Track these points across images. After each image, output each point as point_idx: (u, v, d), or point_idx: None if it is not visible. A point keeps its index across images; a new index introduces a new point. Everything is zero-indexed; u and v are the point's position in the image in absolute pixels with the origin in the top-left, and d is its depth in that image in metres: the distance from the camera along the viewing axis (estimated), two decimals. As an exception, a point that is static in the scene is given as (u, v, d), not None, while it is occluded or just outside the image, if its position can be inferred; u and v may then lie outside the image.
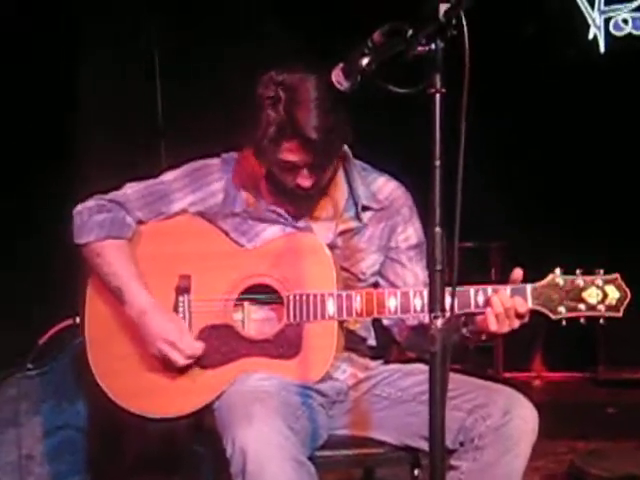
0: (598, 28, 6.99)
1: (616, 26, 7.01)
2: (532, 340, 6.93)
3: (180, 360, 2.74)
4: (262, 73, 2.73)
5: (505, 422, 2.60)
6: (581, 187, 6.72)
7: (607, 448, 4.73)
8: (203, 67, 5.96)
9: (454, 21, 2.00)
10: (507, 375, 6.90)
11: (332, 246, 2.81)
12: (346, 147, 2.87)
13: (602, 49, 7.02)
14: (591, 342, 6.75)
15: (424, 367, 2.07)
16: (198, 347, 2.75)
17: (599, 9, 7.03)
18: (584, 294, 2.57)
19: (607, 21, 7.00)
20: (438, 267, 2.05)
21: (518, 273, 2.60)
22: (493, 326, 2.56)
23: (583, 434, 5.22)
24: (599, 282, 2.57)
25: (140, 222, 2.91)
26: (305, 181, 2.71)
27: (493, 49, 6.50)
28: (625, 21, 7.01)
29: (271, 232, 2.83)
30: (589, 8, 7.02)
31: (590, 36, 7.02)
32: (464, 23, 1.98)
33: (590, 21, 7.01)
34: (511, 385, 2.73)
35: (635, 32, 7.02)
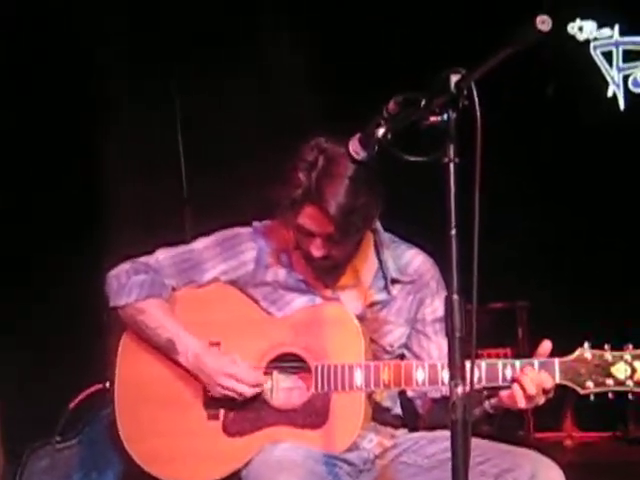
0: (617, 85, 7.02)
1: (635, 83, 7.03)
2: (562, 400, 6.85)
3: (246, 390, 2.76)
4: (300, 139, 2.79)
5: (533, 485, 2.58)
6: (607, 247, 6.70)
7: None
8: (226, 133, 5.99)
9: (465, 92, 2.03)
10: (538, 436, 6.84)
11: (361, 318, 2.82)
12: (377, 222, 2.90)
13: (622, 106, 7.04)
14: (621, 401, 6.67)
15: (448, 433, 2.06)
16: (259, 374, 2.77)
17: (617, 66, 7.05)
18: (612, 369, 2.56)
19: (626, 78, 7.02)
20: (457, 334, 2.06)
21: (547, 345, 2.60)
22: (522, 404, 2.56)
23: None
24: (628, 357, 2.56)
25: (173, 289, 2.95)
26: (316, 250, 2.75)
27: (514, 111, 6.54)
28: (644, 77, 7.04)
29: (300, 302, 2.86)
30: (607, 65, 7.04)
31: (609, 94, 7.04)
32: (474, 94, 2.01)
33: (609, 79, 7.03)
34: (541, 446, 2.72)
35: (655, 88, 7.04)
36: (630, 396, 2.58)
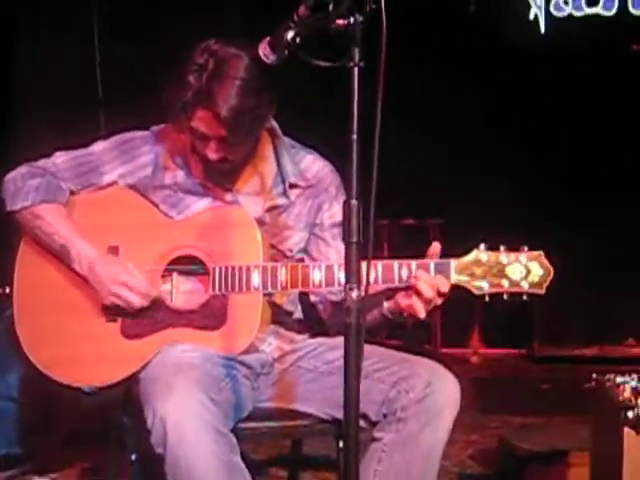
0: (539, 8, 7.03)
1: (557, 7, 7.05)
2: (470, 317, 7.00)
3: (136, 300, 2.75)
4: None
5: (427, 394, 2.62)
6: (518, 165, 6.80)
7: (539, 423, 4.79)
8: (148, 35, 5.90)
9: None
10: (445, 351, 6.98)
11: (260, 221, 2.82)
12: (274, 123, 2.89)
13: (542, 29, 7.07)
14: (527, 319, 6.83)
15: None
16: (151, 285, 2.76)
17: (540, -11, 7.07)
18: (507, 270, 2.57)
19: (547, 2, 7.04)
20: (354, 239, 2.07)
21: (436, 246, 2.61)
22: (422, 313, 2.56)
23: (517, 410, 5.28)
24: (522, 259, 2.57)
25: (71, 192, 2.91)
26: (212, 153, 2.73)
27: (435, 27, 6.55)
28: (566, 2, 7.06)
29: (200, 205, 2.84)
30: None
31: (531, 16, 7.06)
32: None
33: (531, 1, 7.05)
34: (447, 361, 2.76)
35: (576, 13, 7.07)
36: (524, 297, 2.58)
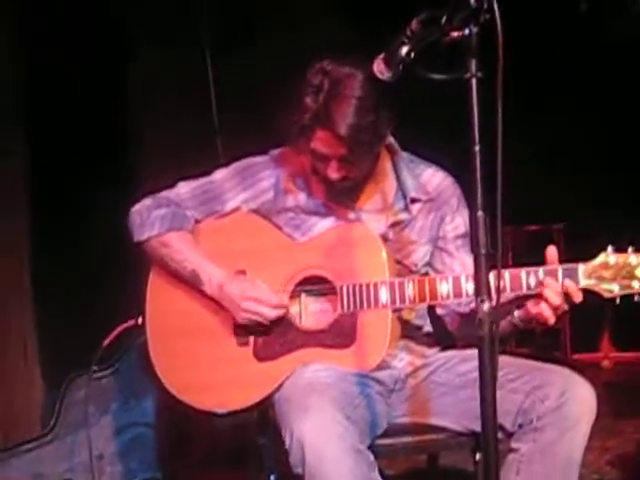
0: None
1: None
2: (600, 320, 6.87)
3: (269, 313, 2.78)
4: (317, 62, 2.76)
5: (563, 402, 2.59)
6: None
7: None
8: (255, 61, 5.96)
9: (485, 5, 2.00)
10: (575, 357, 6.86)
11: (384, 238, 2.83)
12: (393, 140, 2.90)
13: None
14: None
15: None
16: (282, 296, 2.80)
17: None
18: (637, 271, 2.53)
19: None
20: (482, 250, 2.05)
21: (551, 251, 2.59)
22: (551, 319, 2.55)
23: (654, 413, 5.18)
24: None
25: (196, 221, 2.97)
26: (333, 173, 2.75)
27: (546, 28, 6.46)
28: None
29: (324, 225, 2.87)
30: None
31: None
32: (495, 7, 1.99)
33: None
34: (578, 367, 2.72)
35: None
36: None
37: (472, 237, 2.07)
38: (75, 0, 5.02)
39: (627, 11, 6.55)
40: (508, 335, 2.70)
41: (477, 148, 2.04)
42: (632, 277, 2.54)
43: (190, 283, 2.89)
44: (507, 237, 6.69)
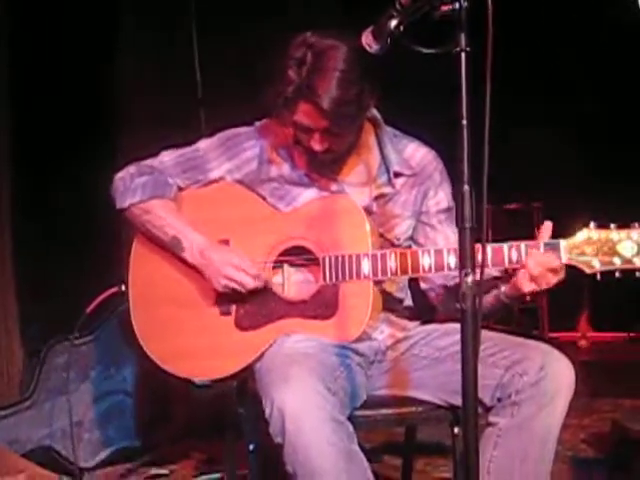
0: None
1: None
2: (577, 300, 6.92)
3: (248, 281, 2.79)
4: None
5: (541, 377, 2.61)
6: (624, 147, 6.68)
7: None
8: (244, 34, 5.94)
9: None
10: (553, 335, 6.91)
11: (368, 210, 2.83)
12: (377, 113, 2.91)
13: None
14: (637, 301, 6.72)
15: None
16: (261, 267, 2.80)
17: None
18: (618, 247, 2.54)
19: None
20: (467, 225, 2.06)
21: (547, 226, 2.61)
22: (527, 287, 2.57)
23: (629, 392, 5.22)
24: (634, 235, 2.54)
25: (179, 189, 2.97)
26: (317, 145, 2.75)
27: (540, 8, 6.46)
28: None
29: (307, 196, 2.87)
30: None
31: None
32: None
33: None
34: (555, 346, 2.73)
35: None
36: (638, 274, 2.54)
37: (457, 211, 2.08)
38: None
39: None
40: (492, 310, 2.71)
41: (464, 122, 2.04)
42: (614, 253, 2.55)
43: (172, 251, 2.90)
44: (487, 215, 6.69)
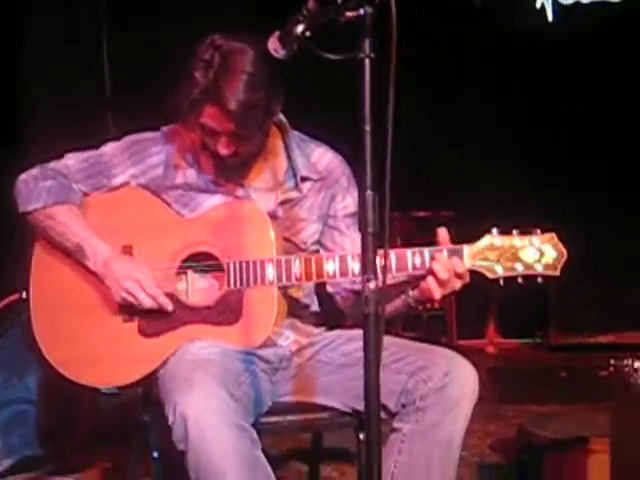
0: (545, -2, 7.03)
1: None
2: (485, 307, 7.00)
3: (146, 301, 2.76)
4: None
5: (446, 384, 2.62)
6: (529, 154, 6.80)
7: (557, 411, 4.79)
8: (153, 37, 5.91)
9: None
10: (461, 342, 6.97)
11: (273, 216, 2.82)
12: (283, 118, 2.90)
13: (550, 18, 7.06)
14: (543, 308, 6.84)
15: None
16: (160, 290, 2.77)
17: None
18: (521, 253, 2.56)
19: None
20: (370, 230, 2.07)
21: (442, 232, 2.63)
22: (437, 293, 2.58)
23: (536, 399, 5.29)
24: (535, 241, 2.56)
25: (84, 194, 2.92)
26: (223, 149, 2.74)
27: (443, 19, 6.54)
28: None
29: (212, 202, 2.85)
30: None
31: (538, 5, 7.05)
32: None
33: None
34: (464, 353, 2.75)
35: (583, 0, 7.05)
36: (539, 279, 2.57)
37: (360, 216, 2.08)
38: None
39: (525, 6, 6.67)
40: (399, 315, 2.72)
41: (367, 128, 2.05)
42: (516, 259, 2.57)
43: (75, 257, 2.85)
44: (395, 222, 6.75)
